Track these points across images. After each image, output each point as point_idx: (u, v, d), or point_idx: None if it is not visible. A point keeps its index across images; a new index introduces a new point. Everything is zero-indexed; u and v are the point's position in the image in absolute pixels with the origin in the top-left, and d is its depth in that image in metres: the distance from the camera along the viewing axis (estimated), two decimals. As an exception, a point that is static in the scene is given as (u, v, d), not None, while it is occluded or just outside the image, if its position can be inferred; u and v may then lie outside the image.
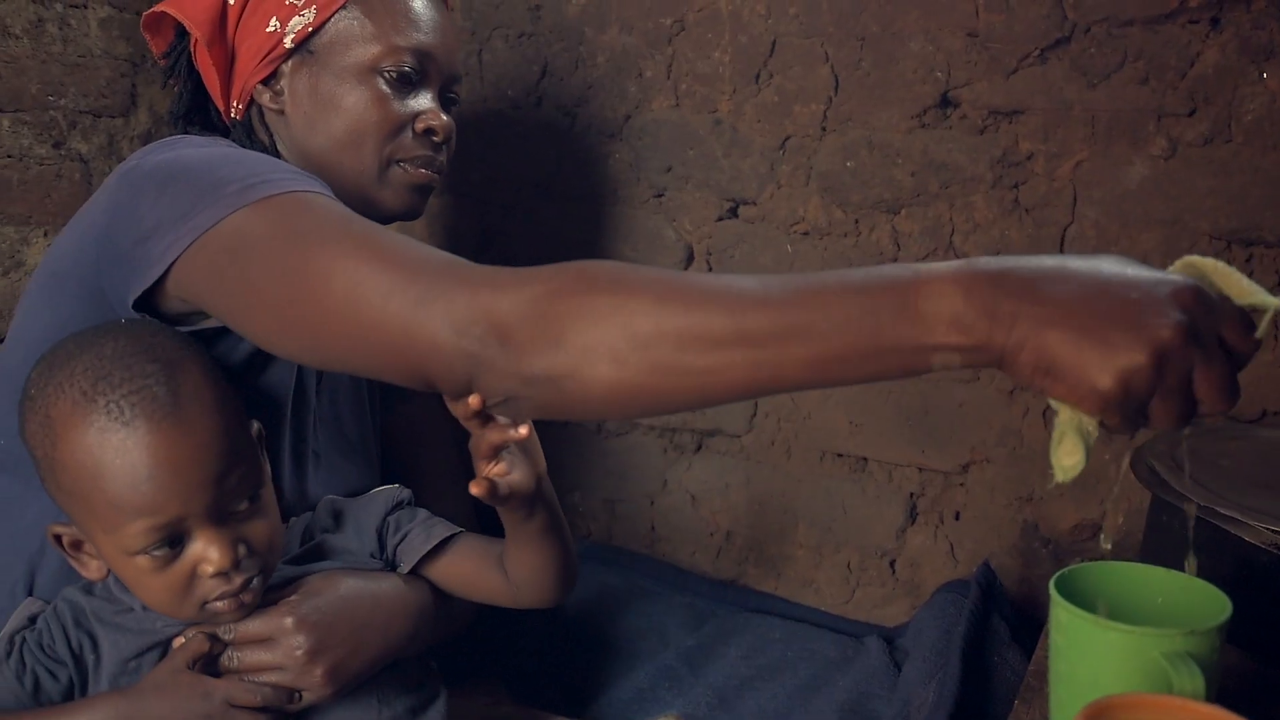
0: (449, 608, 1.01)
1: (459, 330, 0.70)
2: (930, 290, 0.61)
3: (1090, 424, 0.60)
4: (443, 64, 1.05)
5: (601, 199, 1.55)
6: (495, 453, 0.82)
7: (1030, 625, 1.27)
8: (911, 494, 1.43)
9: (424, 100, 1.04)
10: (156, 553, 0.80)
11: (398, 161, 1.03)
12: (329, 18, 1.00)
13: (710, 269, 1.50)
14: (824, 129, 1.39)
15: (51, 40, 1.39)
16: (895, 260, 1.39)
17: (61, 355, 0.81)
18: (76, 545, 0.85)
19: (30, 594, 0.93)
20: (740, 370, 0.64)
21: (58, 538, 0.85)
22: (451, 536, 0.97)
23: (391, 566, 0.97)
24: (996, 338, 0.60)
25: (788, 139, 1.41)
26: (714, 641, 1.36)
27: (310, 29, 1.00)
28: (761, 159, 1.43)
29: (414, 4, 1.03)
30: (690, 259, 1.51)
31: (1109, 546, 0.75)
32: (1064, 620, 0.73)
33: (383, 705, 0.92)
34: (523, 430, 0.77)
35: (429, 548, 0.95)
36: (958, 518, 1.42)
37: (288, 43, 1.00)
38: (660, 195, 1.51)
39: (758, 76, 1.41)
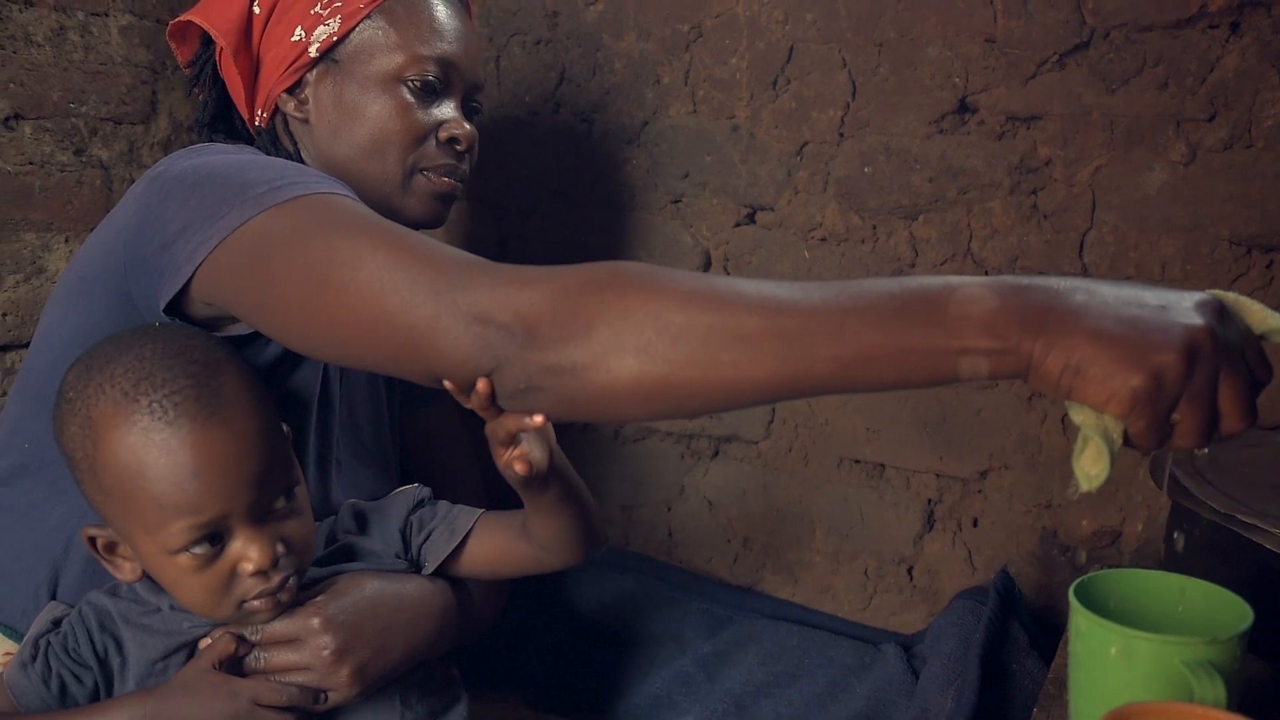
0: (470, 611, 1.01)
1: (483, 319, 0.71)
2: (962, 295, 0.62)
3: (1115, 430, 0.60)
4: (466, 73, 1.06)
5: (619, 205, 1.55)
6: (512, 438, 0.83)
7: (1049, 632, 1.26)
8: (929, 501, 1.43)
9: (447, 109, 1.05)
10: (197, 550, 0.80)
11: (421, 170, 1.04)
12: (354, 27, 1.01)
13: (728, 275, 1.50)
14: (841, 135, 1.39)
15: (73, 48, 1.40)
16: (913, 266, 1.39)
17: (100, 358, 0.82)
18: (110, 547, 0.86)
19: (54, 597, 0.93)
20: (767, 366, 0.65)
21: (92, 540, 0.85)
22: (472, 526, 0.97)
23: (416, 566, 0.97)
24: (1025, 342, 0.60)
25: (805, 145, 1.42)
26: (731, 648, 1.36)
27: (335, 38, 1.01)
28: (779, 165, 1.43)
29: (437, 13, 1.04)
30: (708, 265, 1.51)
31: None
32: (1084, 628, 0.72)
33: (405, 708, 0.93)
34: (538, 419, 0.77)
35: (452, 547, 0.96)
36: (976, 524, 1.41)
37: (312, 52, 1.01)
38: (678, 201, 1.51)
39: (775, 83, 1.42)
